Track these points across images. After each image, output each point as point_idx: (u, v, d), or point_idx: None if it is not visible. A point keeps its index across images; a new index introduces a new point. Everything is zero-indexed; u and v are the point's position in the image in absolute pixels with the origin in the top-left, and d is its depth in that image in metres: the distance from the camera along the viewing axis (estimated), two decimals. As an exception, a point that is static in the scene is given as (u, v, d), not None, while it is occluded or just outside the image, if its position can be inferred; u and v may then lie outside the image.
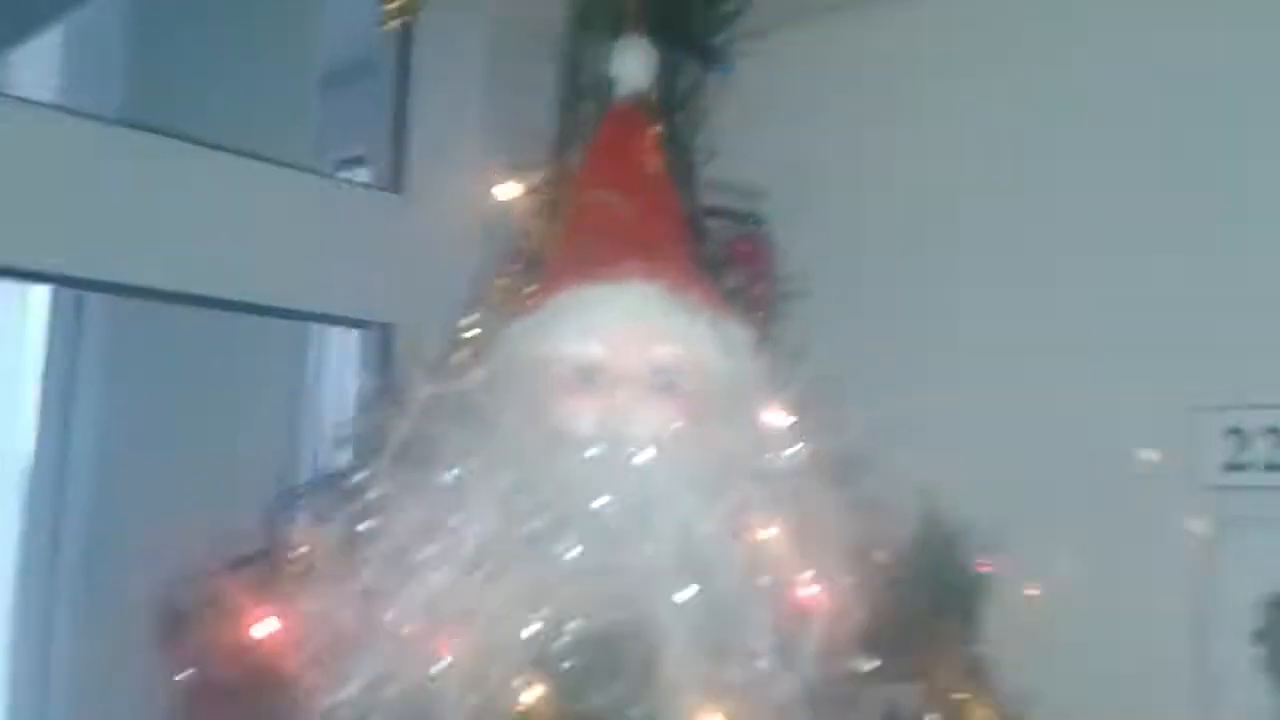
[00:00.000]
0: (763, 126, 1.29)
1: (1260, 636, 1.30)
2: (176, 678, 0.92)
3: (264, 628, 0.86)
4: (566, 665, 0.71)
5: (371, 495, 0.77)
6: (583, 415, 0.81)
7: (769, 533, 0.77)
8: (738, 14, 0.99)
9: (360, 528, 0.78)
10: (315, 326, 2.20)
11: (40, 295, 2.91)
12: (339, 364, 2.28)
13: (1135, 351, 1.41)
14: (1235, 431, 1.35)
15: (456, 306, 0.98)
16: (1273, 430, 1.33)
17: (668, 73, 0.98)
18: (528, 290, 0.91)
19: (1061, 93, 1.48)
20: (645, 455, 0.76)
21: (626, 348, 0.83)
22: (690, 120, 1.00)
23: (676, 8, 0.97)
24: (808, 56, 1.59)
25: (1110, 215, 1.44)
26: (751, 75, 0.99)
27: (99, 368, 2.63)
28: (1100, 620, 1.36)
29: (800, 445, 0.85)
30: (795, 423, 0.87)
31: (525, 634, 0.71)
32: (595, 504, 0.74)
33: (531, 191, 1.00)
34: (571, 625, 0.73)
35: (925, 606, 1.05)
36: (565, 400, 0.82)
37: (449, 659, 0.71)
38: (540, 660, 0.72)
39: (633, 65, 0.94)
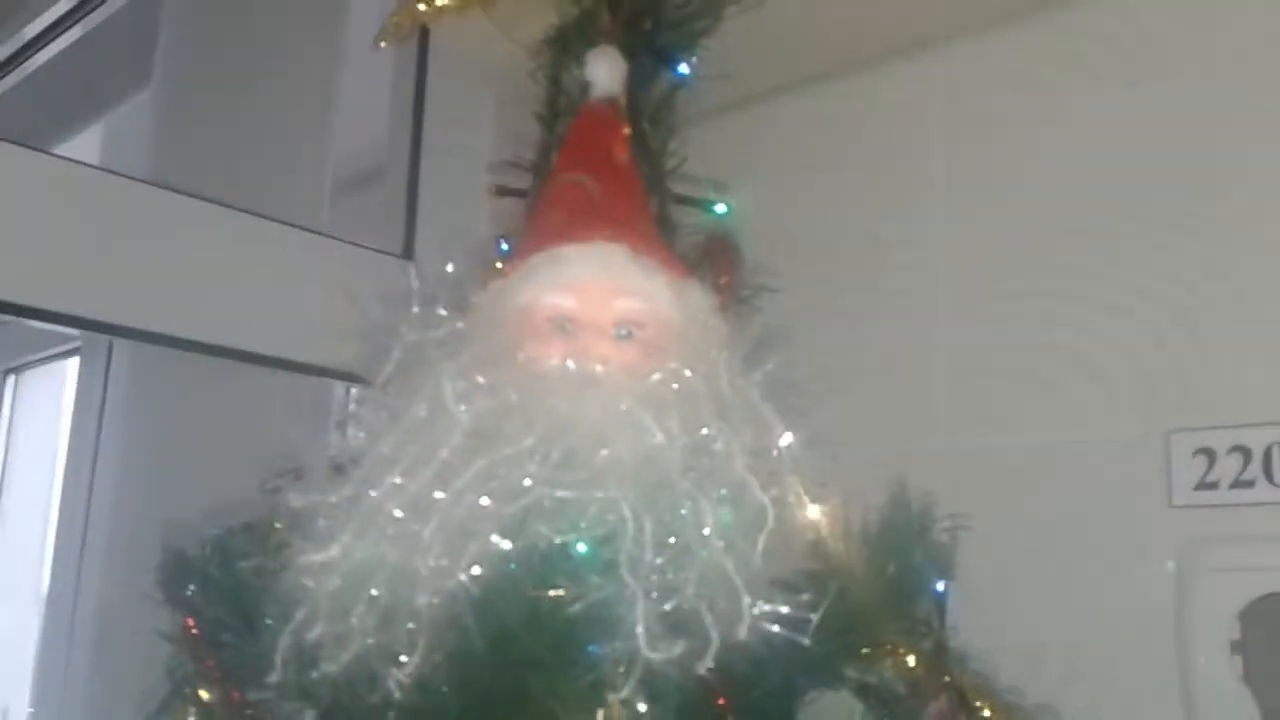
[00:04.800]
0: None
1: (1237, 647, 1.34)
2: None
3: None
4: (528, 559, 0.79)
5: (362, 415, 0.87)
6: (553, 357, 0.91)
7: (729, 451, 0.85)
8: (705, 30, 1.13)
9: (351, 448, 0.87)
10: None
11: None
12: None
13: (1107, 374, 1.49)
14: (1204, 451, 1.42)
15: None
16: (1238, 448, 1.40)
17: (638, 82, 1.11)
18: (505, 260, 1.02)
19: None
20: (607, 373, 0.85)
21: (593, 300, 0.94)
22: (659, 126, 1.13)
23: (646, 22, 1.11)
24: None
25: (1082, 234, 1.54)
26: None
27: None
28: (1078, 632, 1.41)
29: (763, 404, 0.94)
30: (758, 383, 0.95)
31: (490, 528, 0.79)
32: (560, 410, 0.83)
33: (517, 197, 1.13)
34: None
35: (889, 586, 1.11)
36: (539, 345, 0.93)
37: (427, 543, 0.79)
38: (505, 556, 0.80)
39: (605, 70, 1.08)
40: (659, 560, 0.78)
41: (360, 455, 0.86)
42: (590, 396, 0.84)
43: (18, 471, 4.06)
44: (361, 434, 0.87)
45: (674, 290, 0.96)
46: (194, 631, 0.99)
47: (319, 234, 2.11)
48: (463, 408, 0.83)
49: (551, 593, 0.80)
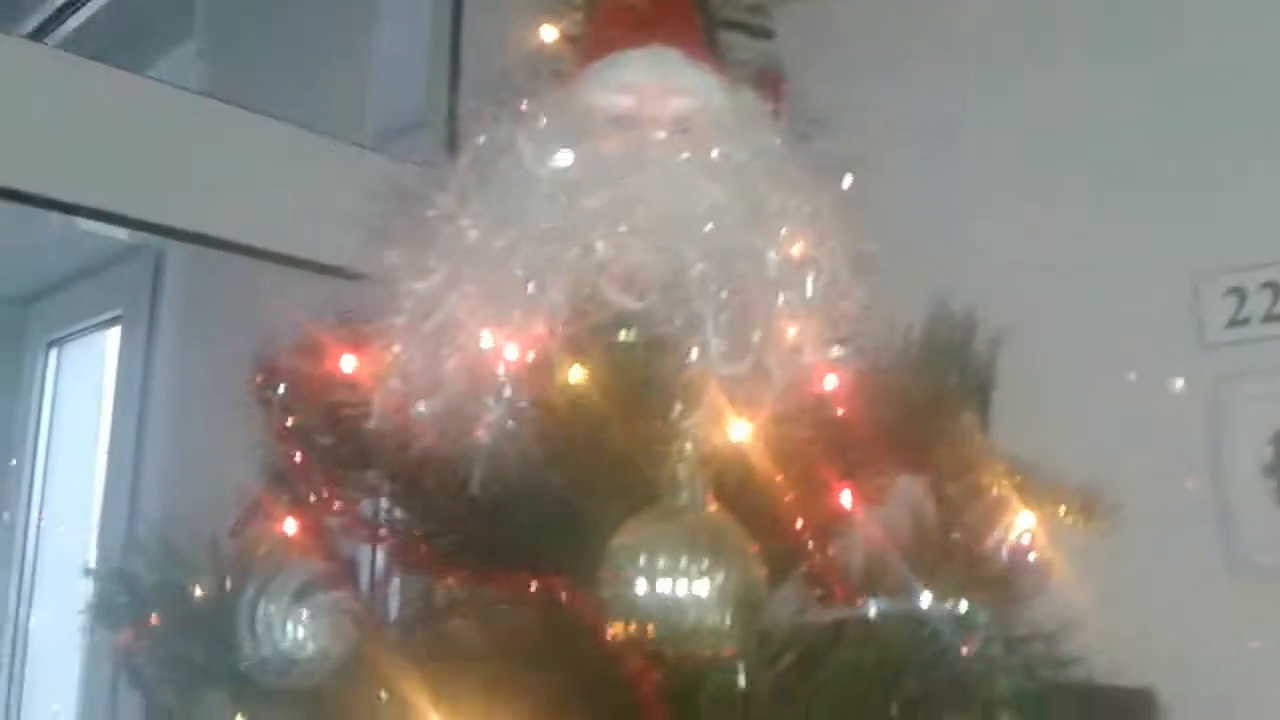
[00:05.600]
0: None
1: (1270, 471, 1.39)
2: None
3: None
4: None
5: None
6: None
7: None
8: None
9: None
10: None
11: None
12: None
13: (1138, 218, 1.53)
14: (1235, 291, 1.47)
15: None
16: (1269, 284, 1.45)
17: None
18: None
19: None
20: (667, 145, 0.91)
21: (650, 98, 1.00)
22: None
23: None
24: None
25: (1114, 71, 1.56)
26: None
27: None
28: (1115, 466, 1.46)
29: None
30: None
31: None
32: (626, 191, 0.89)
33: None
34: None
35: (932, 394, 1.16)
36: (600, 143, 0.99)
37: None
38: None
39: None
40: (725, 306, 0.84)
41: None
42: (652, 164, 0.90)
43: (61, 447, 4.15)
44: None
45: (727, 91, 1.02)
46: (286, 427, 1.05)
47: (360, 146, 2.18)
48: (541, 164, 0.89)
49: (622, 335, 0.86)
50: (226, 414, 1.07)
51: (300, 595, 0.86)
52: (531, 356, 0.87)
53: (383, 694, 0.81)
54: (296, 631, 0.85)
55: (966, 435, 1.17)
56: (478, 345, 0.86)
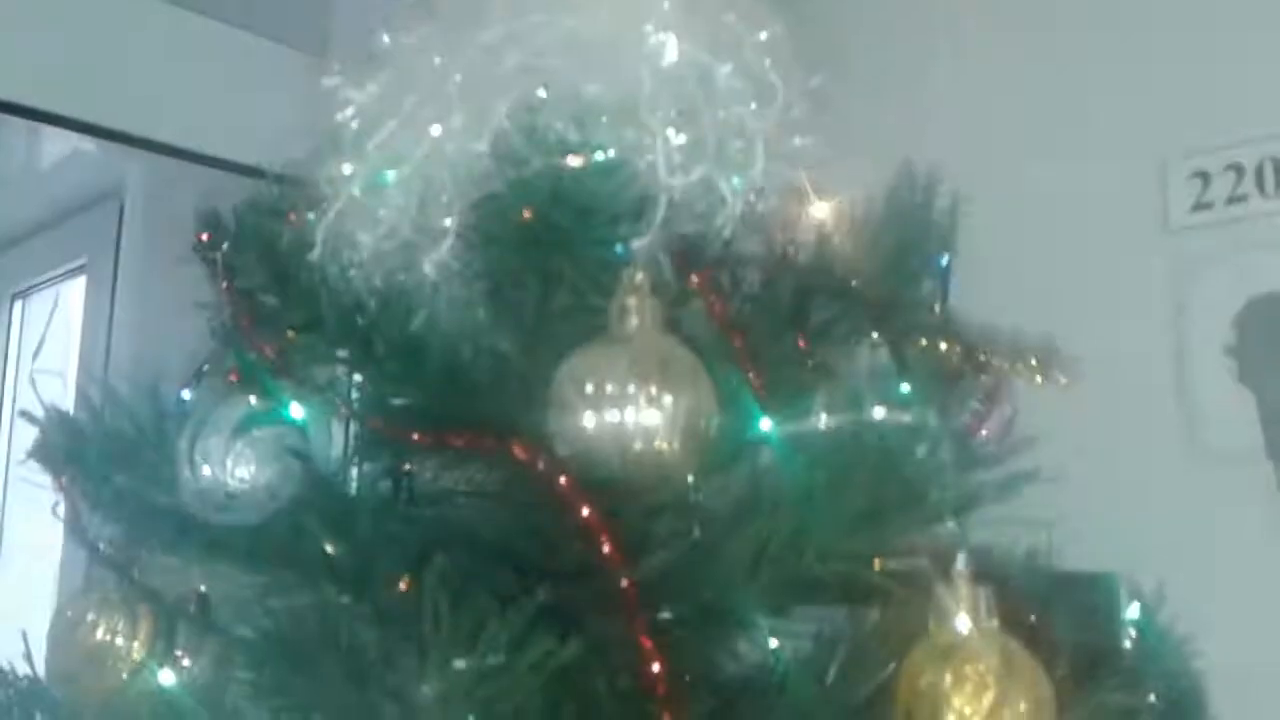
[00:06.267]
0: None
1: (1232, 351, 1.39)
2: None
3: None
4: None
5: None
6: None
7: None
8: None
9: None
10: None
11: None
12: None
13: (1104, 103, 1.53)
14: (1200, 174, 1.46)
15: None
16: (1231, 166, 1.44)
17: None
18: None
19: None
20: None
21: None
22: None
23: None
24: None
25: None
26: None
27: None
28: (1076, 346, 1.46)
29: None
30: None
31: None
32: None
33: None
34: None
35: (893, 253, 1.15)
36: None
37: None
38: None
39: None
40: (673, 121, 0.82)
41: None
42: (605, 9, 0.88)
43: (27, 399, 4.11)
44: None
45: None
46: (228, 289, 1.03)
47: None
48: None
49: (571, 158, 0.84)
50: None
51: (240, 429, 0.84)
52: (476, 179, 0.84)
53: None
54: (235, 465, 0.83)
55: (927, 299, 1.17)
56: (421, 164, 0.84)
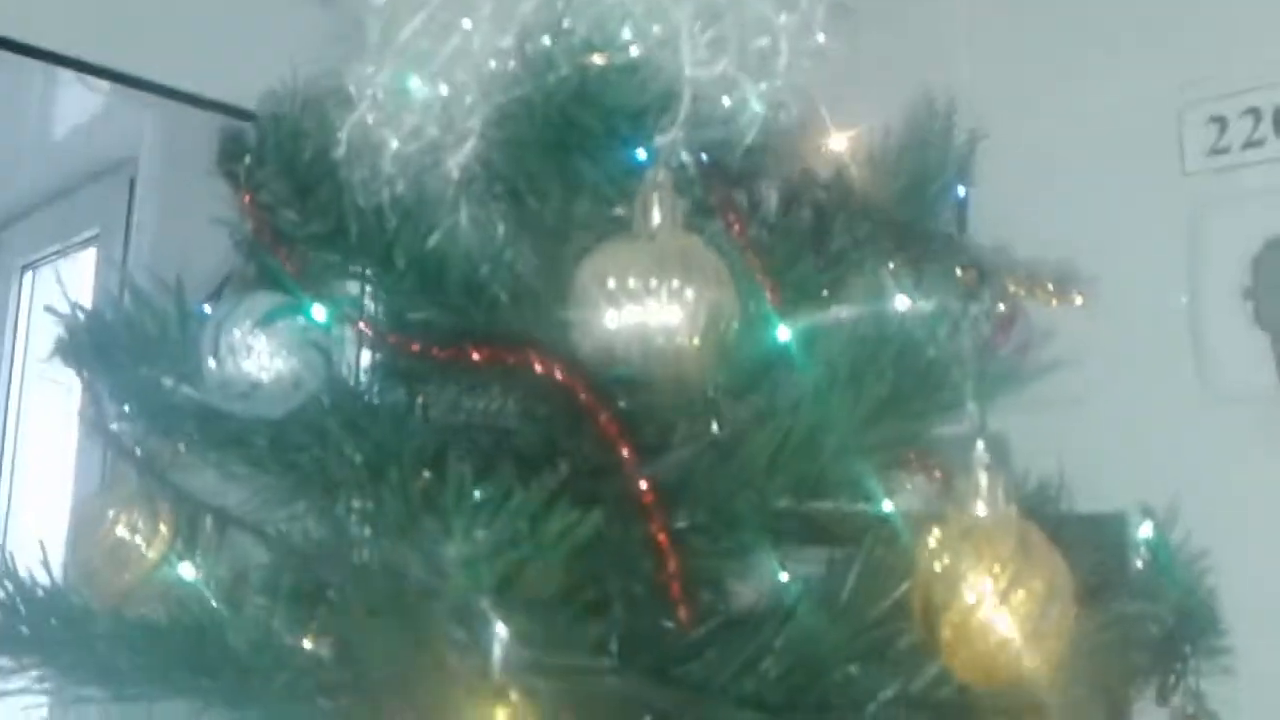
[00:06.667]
0: None
1: (1248, 294, 1.39)
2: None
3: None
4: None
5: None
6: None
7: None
8: None
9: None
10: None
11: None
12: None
13: (1122, 44, 1.52)
14: (1217, 119, 1.47)
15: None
16: (1250, 111, 1.45)
17: None
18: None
19: None
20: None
21: None
22: None
23: None
24: None
25: None
26: None
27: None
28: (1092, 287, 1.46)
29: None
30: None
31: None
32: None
33: None
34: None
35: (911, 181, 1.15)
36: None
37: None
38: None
39: None
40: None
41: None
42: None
43: (37, 373, 4.12)
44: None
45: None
46: (250, 203, 1.03)
47: None
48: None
49: (596, 56, 0.85)
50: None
51: (265, 321, 0.85)
52: (500, 80, 0.85)
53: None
54: (259, 355, 0.83)
55: (945, 227, 1.17)
56: (445, 63, 0.85)
